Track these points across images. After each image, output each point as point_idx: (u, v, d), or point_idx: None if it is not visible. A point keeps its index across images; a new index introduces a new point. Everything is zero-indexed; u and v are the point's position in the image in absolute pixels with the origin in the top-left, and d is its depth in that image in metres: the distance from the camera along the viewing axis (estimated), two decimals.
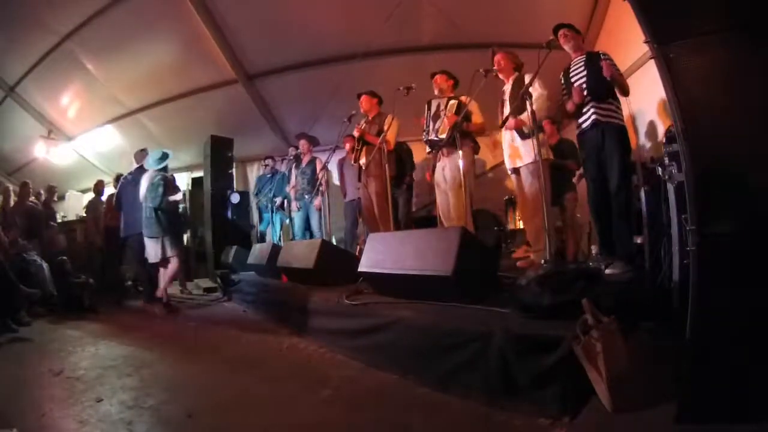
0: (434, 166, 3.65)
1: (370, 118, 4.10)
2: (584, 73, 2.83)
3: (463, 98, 3.46)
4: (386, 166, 3.53)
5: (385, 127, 3.76)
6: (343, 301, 2.58)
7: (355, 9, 4.89)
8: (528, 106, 2.64)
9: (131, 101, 6.55)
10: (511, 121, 3.02)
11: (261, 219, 6.36)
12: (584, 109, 2.83)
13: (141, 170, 4.47)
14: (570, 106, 2.93)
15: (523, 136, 3.07)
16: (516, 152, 3.17)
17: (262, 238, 6.22)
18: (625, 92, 2.79)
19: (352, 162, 4.30)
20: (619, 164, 2.68)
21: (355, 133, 4.05)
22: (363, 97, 4.11)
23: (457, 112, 3.40)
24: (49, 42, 5.40)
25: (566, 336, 1.45)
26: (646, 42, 1.36)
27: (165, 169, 4.29)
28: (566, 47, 2.92)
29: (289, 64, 5.73)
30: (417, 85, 3.50)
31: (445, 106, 3.52)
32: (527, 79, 2.77)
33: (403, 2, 4.64)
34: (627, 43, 3.69)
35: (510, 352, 1.57)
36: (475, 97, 3.26)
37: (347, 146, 4.75)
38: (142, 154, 4.72)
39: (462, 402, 1.67)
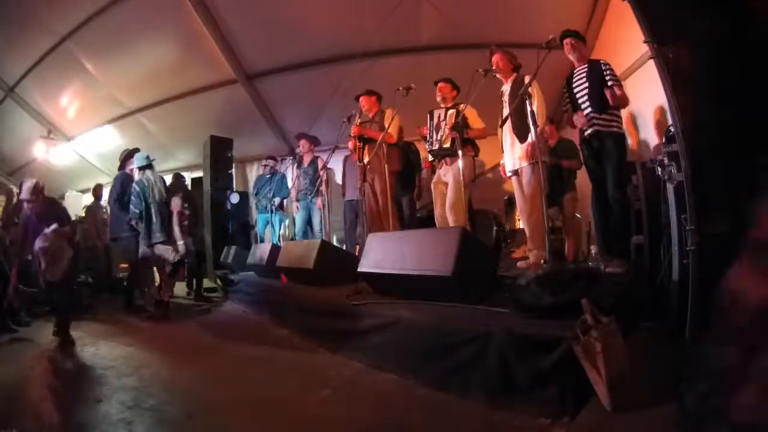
0: (434, 169, 3.67)
1: (370, 116, 4.07)
2: (586, 84, 2.93)
3: (461, 106, 3.48)
4: (386, 162, 3.52)
5: (386, 123, 3.75)
6: (343, 302, 2.58)
7: (354, 9, 4.89)
8: (528, 106, 2.65)
9: (131, 101, 6.53)
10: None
11: (259, 219, 6.35)
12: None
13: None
14: (570, 123, 3.09)
15: (522, 138, 3.08)
16: (515, 153, 3.18)
17: (261, 239, 6.22)
18: (624, 106, 2.92)
19: (357, 162, 4.11)
20: (616, 168, 2.83)
21: (353, 132, 3.98)
22: (362, 99, 4.09)
23: (456, 119, 3.44)
24: (49, 42, 5.38)
25: (566, 336, 1.45)
26: (645, 42, 1.36)
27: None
28: (570, 56, 3.02)
29: (289, 64, 5.72)
30: (416, 85, 3.50)
31: (445, 117, 3.55)
32: (526, 79, 2.78)
33: (403, 2, 4.64)
34: (626, 43, 3.68)
35: (510, 352, 1.57)
36: (474, 99, 3.26)
37: (350, 146, 4.70)
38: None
39: (462, 402, 1.67)
